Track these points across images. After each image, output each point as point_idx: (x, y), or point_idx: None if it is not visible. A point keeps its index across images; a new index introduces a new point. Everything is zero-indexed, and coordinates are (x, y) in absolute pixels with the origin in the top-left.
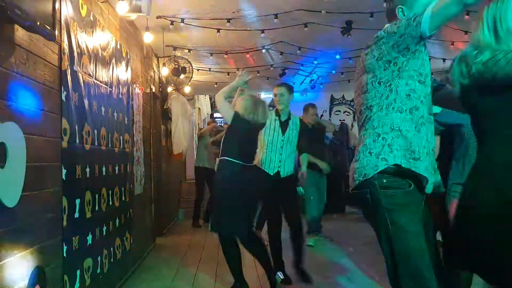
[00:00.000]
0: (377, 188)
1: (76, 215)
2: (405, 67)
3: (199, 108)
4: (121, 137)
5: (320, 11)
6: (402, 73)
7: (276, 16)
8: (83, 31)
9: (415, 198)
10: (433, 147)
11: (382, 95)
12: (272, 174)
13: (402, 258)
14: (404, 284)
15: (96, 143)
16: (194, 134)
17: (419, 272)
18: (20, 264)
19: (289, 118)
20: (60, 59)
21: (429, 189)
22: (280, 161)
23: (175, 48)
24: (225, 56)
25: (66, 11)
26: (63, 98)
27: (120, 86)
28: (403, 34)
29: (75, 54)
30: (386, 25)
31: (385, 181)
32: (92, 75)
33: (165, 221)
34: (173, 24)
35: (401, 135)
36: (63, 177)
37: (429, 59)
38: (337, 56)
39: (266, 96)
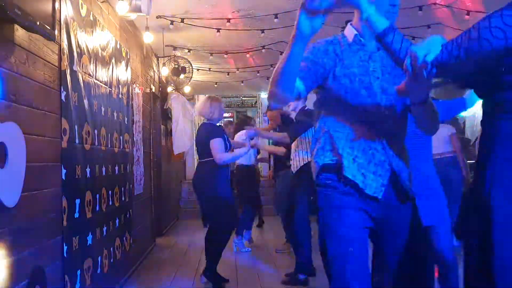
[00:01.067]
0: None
1: (76, 215)
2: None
3: None
4: (121, 137)
5: None
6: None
7: (276, 16)
8: (83, 31)
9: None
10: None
11: None
12: None
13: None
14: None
15: (96, 143)
16: (194, 134)
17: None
18: (20, 264)
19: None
20: (60, 59)
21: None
22: None
23: (175, 48)
24: (225, 56)
25: (66, 11)
26: (63, 98)
27: (120, 86)
28: None
29: (75, 54)
30: None
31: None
32: (92, 75)
33: (165, 221)
34: (173, 24)
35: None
36: (63, 177)
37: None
38: None
39: (266, 95)
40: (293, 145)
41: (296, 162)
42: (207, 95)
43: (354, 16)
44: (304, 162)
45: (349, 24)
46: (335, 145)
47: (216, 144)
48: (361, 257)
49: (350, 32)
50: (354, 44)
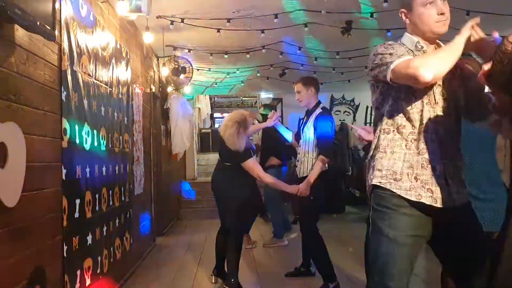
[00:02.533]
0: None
1: (76, 215)
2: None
3: (199, 108)
4: (121, 137)
5: (320, 11)
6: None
7: (276, 16)
8: (83, 31)
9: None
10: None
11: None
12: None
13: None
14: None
15: (96, 143)
16: (194, 134)
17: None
18: (20, 264)
19: (309, 114)
20: (60, 59)
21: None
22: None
23: (175, 48)
24: (225, 56)
25: (66, 11)
26: (63, 98)
27: (120, 86)
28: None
29: (75, 54)
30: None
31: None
32: (92, 75)
33: (165, 221)
34: (173, 24)
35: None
36: (63, 177)
37: None
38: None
39: (266, 95)
40: (301, 149)
41: (304, 168)
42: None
43: (354, 16)
44: (303, 175)
45: (406, 33)
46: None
47: (251, 165)
48: None
49: (408, 40)
50: (415, 51)
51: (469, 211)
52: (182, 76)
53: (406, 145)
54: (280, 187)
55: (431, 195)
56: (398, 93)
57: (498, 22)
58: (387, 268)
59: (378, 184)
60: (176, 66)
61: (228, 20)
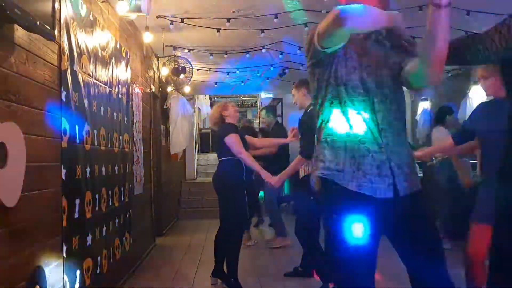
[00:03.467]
0: None
1: (76, 215)
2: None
3: (199, 108)
4: (120, 137)
5: (320, 11)
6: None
7: (276, 16)
8: (82, 31)
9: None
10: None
11: None
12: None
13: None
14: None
15: (96, 143)
16: (194, 134)
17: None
18: (20, 264)
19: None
20: (60, 59)
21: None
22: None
23: (175, 48)
24: (225, 56)
25: (66, 11)
26: (63, 98)
27: (119, 86)
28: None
29: (75, 54)
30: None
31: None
32: (92, 75)
33: (165, 221)
34: (173, 24)
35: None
36: (63, 177)
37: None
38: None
39: (266, 95)
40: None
41: (301, 170)
42: (220, 102)
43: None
44: (305, 174)
45: None
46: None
47: (230, 140)
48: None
49: None
50: None
51: (419, 200)
52: (182, 76)
53: (346, 135)
54: (257, 170)
55: (371, 185)
56: (330, 79)
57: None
58: (345, 264)
59: (321, 175)
60: (176, 66)
61: (228, 20)
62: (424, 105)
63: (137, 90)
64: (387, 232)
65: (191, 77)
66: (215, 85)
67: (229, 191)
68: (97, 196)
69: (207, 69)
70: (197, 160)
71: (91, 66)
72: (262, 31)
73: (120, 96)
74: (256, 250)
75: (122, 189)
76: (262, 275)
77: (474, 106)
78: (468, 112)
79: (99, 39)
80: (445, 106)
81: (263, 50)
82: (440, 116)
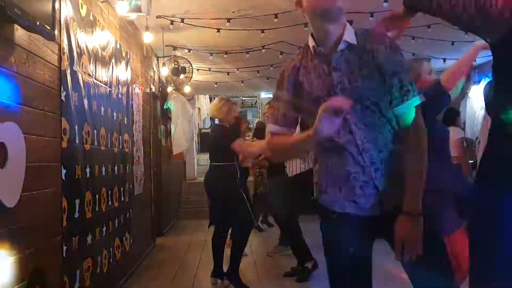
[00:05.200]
0: None
1: (76, 215)
2: None
3: (199, 108)
4: (120, 137)
5: None
6: None
7: (276, 16)
8: (82, 31)
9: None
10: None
11: None
12: None
13: None
14: None
15: (96, 143)
16: (194, 134)
17: None
18: (20, 264)
19: None
20: (60, 59)
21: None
22: None
23: (175, 48)
24: (225, 56)
25: (66, 11)
26: (63, 98)
27: (119, 86)
28: None
29: (75, 54)
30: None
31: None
32: (91, 75)
33: (165, 221)
34: (173, 24)
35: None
36: (63, 177)
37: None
38: None
39: (266, 95)
40: None
41: (292, 167)
42: (219, 97)
43: (354, 16)
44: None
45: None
46: None
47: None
48: None
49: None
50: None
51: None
52: (182, 76)
53: (329, 158)
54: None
55: (355, 205)
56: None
57: None
58: (335, 279)
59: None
60: (176, 66)
61: (228, 20)
62: None
63: (137, 90)
64: (381, 236)
65: (191, 77)
66: (215, 85)
67: (227, 193)
68: (97, 196)
69: (207, 69)
70: (197, 160)
71: (91, 66)
72: (262, 31)
73: (120, 96)
74: (256, 250)
75: (122, 189)
76: (262, 275)
77: (474, 106)
78: (468, 112)
79: (99, 39)
80: (452, 108)
81: (263, 50)
82: (450, 118)
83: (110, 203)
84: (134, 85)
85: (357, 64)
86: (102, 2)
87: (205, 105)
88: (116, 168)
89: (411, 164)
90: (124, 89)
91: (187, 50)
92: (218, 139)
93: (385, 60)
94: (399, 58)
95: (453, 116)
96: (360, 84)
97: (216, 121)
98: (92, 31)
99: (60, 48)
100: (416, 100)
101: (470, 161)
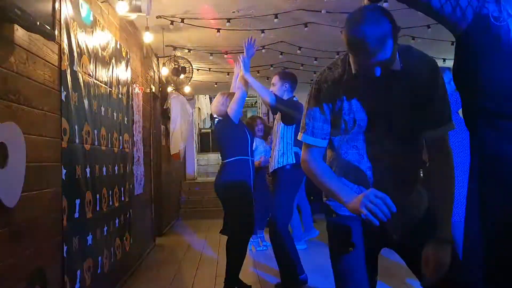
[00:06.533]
0: None
1: (76, 215)
2: None
3: (199, 108)
4: (120, 137)
5: (320, 11)
6: None
7: (276, 16)
8: (83, 31)
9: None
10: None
11: None
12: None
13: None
14: None
15: (96, 143)
16: (194, 134)
17: None
18: (20, 264)
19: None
20: (60, 59)
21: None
22: None
23: (175, 48)
24: (225, 56)
25: (66, 11)
26: (63, 98)
27: (120, 86)
28: None
29: (75, 54)
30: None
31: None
32: (92, 75)
33: (165, 221)
34: (173, 24)
35: None
36: (63, 177)
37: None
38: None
39: None
40: (273, 143)
41: (272, 162)
42: (221, 92)
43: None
44: (279, 166)
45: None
46: None
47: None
48: None
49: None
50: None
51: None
52: (182, 76)
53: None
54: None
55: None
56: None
57: None
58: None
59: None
60: (176, 66)
61: (228, 20)
62: None
63: (137, 90)
64: (392, 247)
65: (191, 77)
66: (215, 85)
67: (234, 199)
68: (97, 196)
69: (207, 69)
70: (197, 160)
71: (91, 66)
72: (262, 31)
73: (120, 96)
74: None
75: (122, 189)
76: (262, 275)
77: None
78: None
79: (99, 39)
80: None
81: (263, 50)
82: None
83: (110, 203)
84: (134, 85)
85: (400, 89)
86: (102, 2)
87: (205, 105)
88: (116, 168)
89: (444, 191)
90: (124, 89)
91: (187, 50)
92: (227, 131)
93: (426, 83)
94: (440, 80)
95: None
96: (395, 109)
97: (217, 119)
98: (92, 31)
99: (60, 48)
100: (450, 126)
101: None
